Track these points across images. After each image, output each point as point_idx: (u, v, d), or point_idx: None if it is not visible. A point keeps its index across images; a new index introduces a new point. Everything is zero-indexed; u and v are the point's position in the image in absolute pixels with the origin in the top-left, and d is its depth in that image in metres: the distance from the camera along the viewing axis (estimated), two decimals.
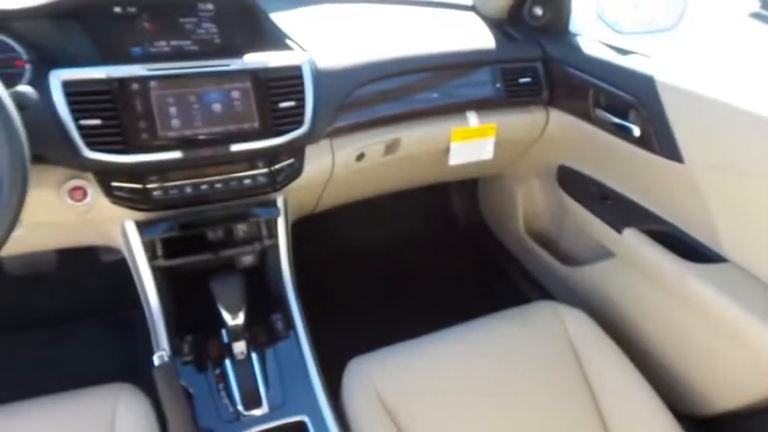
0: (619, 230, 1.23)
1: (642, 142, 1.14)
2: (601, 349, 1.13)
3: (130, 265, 1.14)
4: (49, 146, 0.89)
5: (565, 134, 1.39)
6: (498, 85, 1.30)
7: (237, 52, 1.09)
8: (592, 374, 1.10)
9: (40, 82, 0.91)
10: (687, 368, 1.20)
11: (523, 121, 1.38)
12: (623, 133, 1.18)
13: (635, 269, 1.26)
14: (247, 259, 1.18)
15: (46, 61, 1.01)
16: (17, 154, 0.75)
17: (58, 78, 0.91)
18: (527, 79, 1.33)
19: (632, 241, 1.20)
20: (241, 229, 1.17)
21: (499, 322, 1.20)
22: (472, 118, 1.30)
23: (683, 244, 1.15)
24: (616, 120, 1.19)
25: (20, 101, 0.78)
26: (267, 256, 1.21)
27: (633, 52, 1.20)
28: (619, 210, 1.28)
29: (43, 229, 1.01)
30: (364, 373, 1.05)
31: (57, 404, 0.98)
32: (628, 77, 1.15)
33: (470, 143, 1.33)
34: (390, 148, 1.25)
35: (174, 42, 1.09)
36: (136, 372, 1.51)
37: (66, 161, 0.92)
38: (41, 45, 1.01)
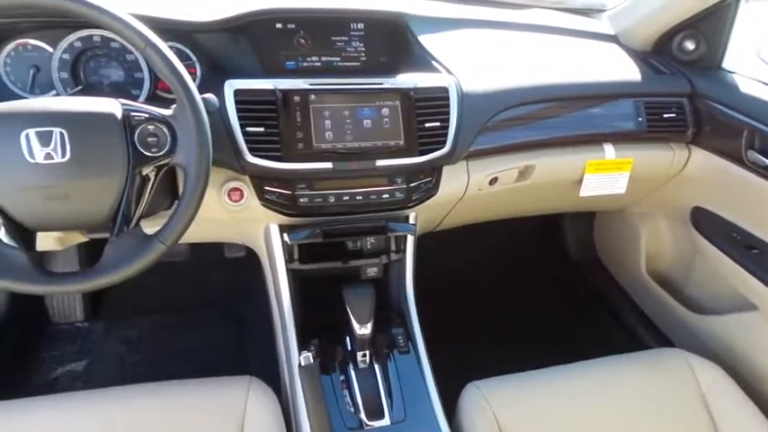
0: (767, 283, 1.14)
1: None
2: (739, 409, 1.05)
3: (266, 265, 1.21)
4: (218, 149, 0.96)
5: (706, 175, 1.31)
6: (641, 118, 1.26)
7: (381, 71, 1.13)
8: None
9: (213, 90, 0.99)
10: None
11: (663, 158, 1.32)
12: None
13: None
14: (372, 271, 1.21)
15: (215, 71, 1.10)
16: (204, 153, 0.82)
17: (231, 87, 0.99)
18: (672, 114, 1.28)
19: None
20: (369, 241, 1.20)
21: (623, 365, 1.15)
22: (609, 150, 1.26)
23: None
24: None
25: (206, 107, 0.86)
26: (391, 270, 1.23)
27: None
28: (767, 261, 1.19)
29: (199, 223, 1.10)
30: (482, 397, 1.04)
31: (192, 389, 1.04)
32: None
33: (604, 176, 1.29)
34: (524, 174, 1.24)
35: (324, 58, 1.16)
36: (248, 363, 1.60)
37: (230, 164, 0.99)
38: (214, 56, 1.10)
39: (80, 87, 1.06)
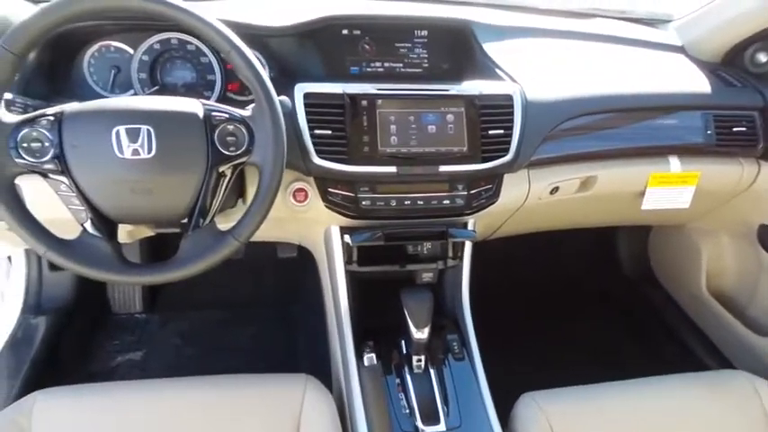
0: None
1: None
2: None
3: (323, 266, 1.22)
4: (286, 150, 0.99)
5: None
6: (709, 131, 1.23)
7: (444, 78, 1.14)
8: None
9: (282, 93, 1.01)
10: None
11: (730, 173, 1.28)
12: None
13: None
14: (428, 276, 1.22)
15: (283, 74, 1.13)
16: (280, 154, 0.85)
17: (301, 90, 1.02)
18: (742, 128, 1.24)
19: None
20: (426, 246, 1.21)
21: (684, 385, 1.11)
22: (674, 163, 1.24)
23: None
24: None
25: (282, 108, 0.88)
26: (445, 276, 1.24)
27: None
28: None
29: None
30: (538, 408, 1.03)
31: (249, 384, 1.05)
32: None
33: (668, 189, 1.26)
34: (585, 184, 1.22)
35: (387, 64, 1.18)
36: (297, 362, 1.62)
37: (296, 165, 1.02)
38: (283, 60, 1.13)
39: (156, 88, 1.11)
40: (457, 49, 1.19)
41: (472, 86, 1.09)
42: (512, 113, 1.08)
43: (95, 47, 1.09)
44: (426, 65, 1.19)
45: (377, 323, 1.16)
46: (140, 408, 0.98)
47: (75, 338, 1.55)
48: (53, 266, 1.50)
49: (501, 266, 1.75)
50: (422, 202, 1.09)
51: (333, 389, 1.18)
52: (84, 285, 1.59)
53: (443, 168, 1.05)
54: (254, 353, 1.67)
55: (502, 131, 1.08)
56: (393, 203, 1.08)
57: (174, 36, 1.10)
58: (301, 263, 1.72)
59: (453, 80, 1.12)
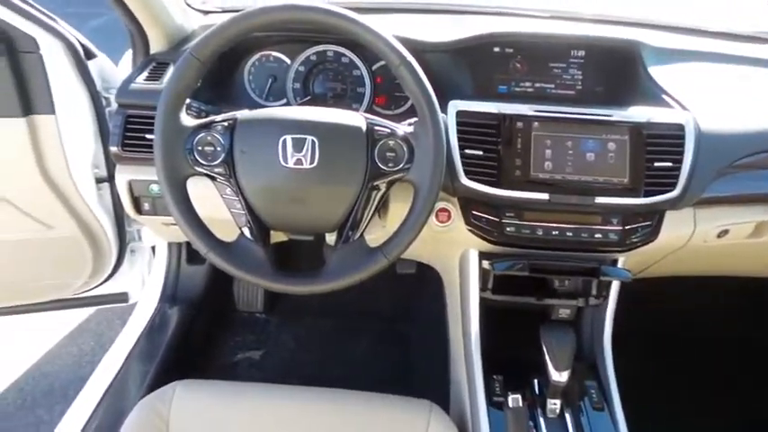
0: None
1: None
2: None
3: (453, 289, 1.18)
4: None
5: None
6: None
7: (598, 101, 1.07)
8: None
9: None
10: None
11: None
12: None
13: None
14: (565, 312, 1.13)
15: (435, 90, 1.11)
16: (438, 173, 0.82)
17: (455, 108, 0.99)
18: None
19: None
20: (566, 280, 1.12)
21: None
22: None
23: None
24: None
25: None
26: (584, 315, 1.15)
27: None
28: None
29: None
30: None
31: (372, 403, 1.02)
32: None
33: None
34: (759, 229, 1.09)
35: (537, 84, 1.12)
36: (409, 381, 1.58)
37: (444, 185, 0.98)
38: (436, 75, 1.10)
39: (308, 98, 1.14)
40: (617, 71, 1.10)
41: (638, 113, 1.00)
42: (682, 145, 0.98)
43: (256, 56, 1.13)
44: (579, 87, 1.12)
45: (503, 355, 1.09)
46: (270, 411, 0.99)
47: (203, 331, 1.62)
48: (191, 260, 1.58)
49: (638, 308, 1.61)
50: (570, 234, 1.01)
51: (450, 415, 1.12)
52: (213, 280, 1.67)
53: (600, 200, 0.97)
54: (366, 366, 1.66)
55: (670, 164, 0.98)
56: (539, 232, 1.01)
57: (330, 48, 1.12)
58: (418, 280, 1.68)
59: (610, 104, 1.04)
